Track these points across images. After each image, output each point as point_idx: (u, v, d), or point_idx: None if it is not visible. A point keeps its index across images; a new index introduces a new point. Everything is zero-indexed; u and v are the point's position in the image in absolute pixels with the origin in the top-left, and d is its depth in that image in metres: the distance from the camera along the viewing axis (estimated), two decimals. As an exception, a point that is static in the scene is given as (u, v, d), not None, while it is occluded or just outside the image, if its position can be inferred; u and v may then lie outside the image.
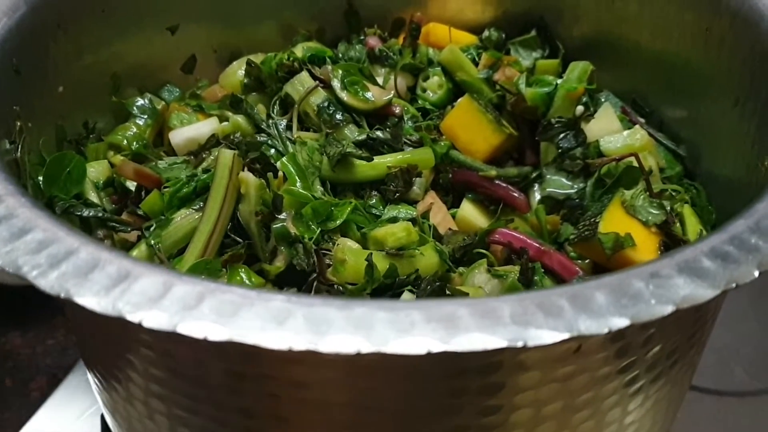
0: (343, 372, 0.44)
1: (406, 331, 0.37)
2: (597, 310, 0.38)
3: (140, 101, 0.85)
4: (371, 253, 0.60)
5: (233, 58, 0.94)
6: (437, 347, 0.36)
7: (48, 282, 0.40)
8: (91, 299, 0.39)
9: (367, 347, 0.36)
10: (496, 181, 0.78)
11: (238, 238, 0.65)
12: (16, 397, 1.21)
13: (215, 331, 0.37)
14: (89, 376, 0.66)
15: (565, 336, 0.37)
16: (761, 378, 0.96)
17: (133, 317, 0.38)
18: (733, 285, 0.40)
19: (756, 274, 0.41)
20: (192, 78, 0.94)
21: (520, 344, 0.36)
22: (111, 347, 0.54)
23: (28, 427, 0.96)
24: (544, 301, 0.38)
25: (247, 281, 0.61)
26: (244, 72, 0.86)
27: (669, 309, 0.38)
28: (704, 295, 0.39)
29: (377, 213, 0.74)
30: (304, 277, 0.61)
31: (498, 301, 0.38)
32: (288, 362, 0.43)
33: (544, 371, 0.46)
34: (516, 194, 0.77)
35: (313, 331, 0.37)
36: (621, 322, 0.38)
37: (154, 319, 0.38)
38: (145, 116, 0.84)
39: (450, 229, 0.75)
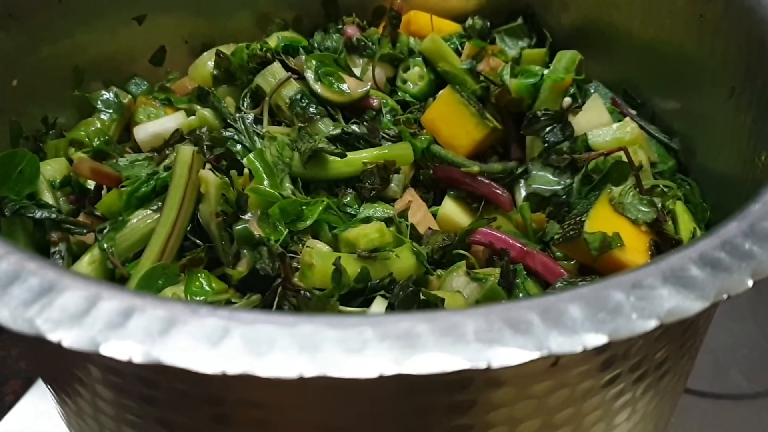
0: (293, 392, 0.40)
1: (357, 351, 0.33)
2: (571, 326, 0.34)
3: (105, 95, 0.81)
4: (339, 257, 0.56)
5: (206, 48, 0.90)
6: (390, 369, 0.32)
7: (-40, 296, 0.36)
8: (6, 315, 0.35)
9: (310, 370, 0.32)
10: (479, 178, 0.74)
11: (198, 241, 0.60)
12: (-11, 401, 1.17)
13: (140, 353, 0.32)
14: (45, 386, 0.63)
15: (534, 355, 0.33)
16: (758, 381, 0.92)
17: (52, 336, 0.34)
18: (724, 296, 0.36)
19: (749, 283, 0.37)
20: (162, 70, 0.90)
21: (482, 365, 0.32)
22: (55, 360, 0.50)
23: (-1, 430, 0.93)
24: (512, 316, 0.34)
25: (207, 287, 0.57)
26: (213, 63, 0.81)
27: (652, 324, 0.34)
28: (691, 308, 0.35)
29: (352, 212, 0.70)
30: (269, 282, 0.57)
31: (461, 316, 0.34)
32: (232, 381, 0.39)
33: (518, 387, 0.42)
34: (499, 191, 0.73)
35: (251, 353, 0.33)
36: (597, 340, 0.33)
37: (75, 338, 0.33)
38: (110, 111, 0.80)
39: (430, 228, 0.71)
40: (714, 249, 0.39)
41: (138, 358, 0.32)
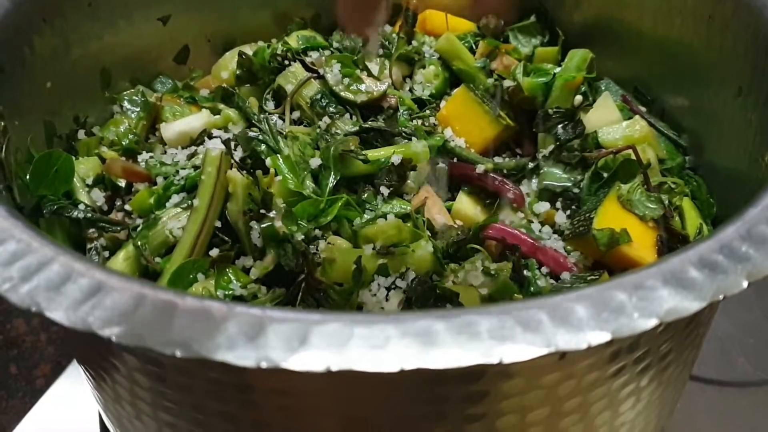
0: (320, 382, 0.43)
1: (380, 347, 0.36)
2: (577, 324, 0.37)
3: (132, 94, 0.84)
4: (360, 257, 0.59)
5: (228, 47, 0.93)
6: (411, 364, 0.35)
7: (19, 296, 0.39)
8: (61, 314, 0.38)
9: (337, 364, 0.35)
10: (492, 175, 0.77)
11: (226, 238, 0.64)
12: (21, 384, 1.22)
13: (184, 348, 0.36)
14: (82, 371, 0.66)
15: (543, 351, 0.36)
16: (765, 368, 0.94)
17: (103, 332, 0.37)
18: (721, 297, 0.39)
19: (745, 285, 0.39)
20: (185, 68, 0.93)
21: (495, 360, 0.35)
22: (96, 350, 0.54)
23: (31, 414, 0.96)
24: (523, 315, 0.37)
25: (235, 281, 0.60)
26: (235, 64, 0.84)
27: (652, 323, 0.37)
28: (689, 307, 0.38)
29: (371, 208, 0.72)
30: (293, 277, 0.61)
31: (475, 315, 0.37)
32: (263, 372, 0.42)
33: (528, 379, 0.45)
34: (512, 189, 0.76)
35: (284, 348, 0.36)
36: (601, 337, 0.36)
37: (124, 334, 0.37)
38: (138, 109, 0.82)
39: (445, 224, 0.74)
40: (712, 252, 0.42)
41: (181, 354, 0.36)
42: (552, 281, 0.67)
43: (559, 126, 0.79)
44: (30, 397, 1.09)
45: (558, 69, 0.83)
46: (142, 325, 0.37)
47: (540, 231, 0.73)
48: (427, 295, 0.60)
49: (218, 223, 0.64)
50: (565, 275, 0.66)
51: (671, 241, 0.69)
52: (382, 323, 0.37)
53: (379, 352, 0.35)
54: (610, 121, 0.78)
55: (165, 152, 0.77)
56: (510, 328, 0.37)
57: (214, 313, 0.38)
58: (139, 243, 0.62)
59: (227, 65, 0.87)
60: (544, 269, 0.68)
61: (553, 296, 0.39)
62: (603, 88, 0.85)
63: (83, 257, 0.43)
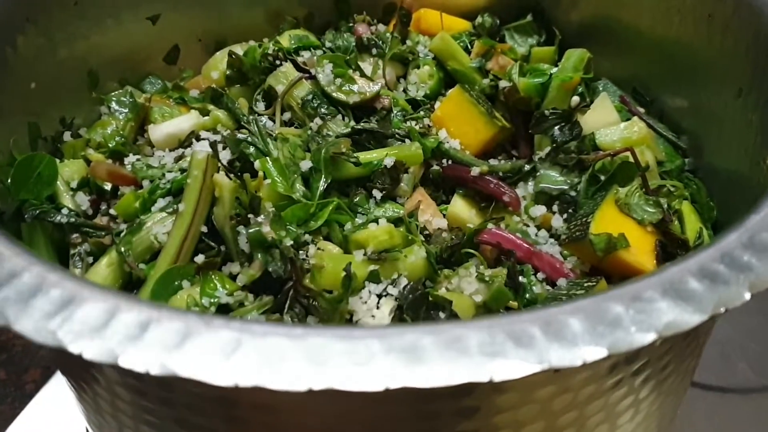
0: (303, 399, 0.41)
1: (364, 364, 0.34)
2: (571, 339, 0.35)
3: (120, 95, 0.82)
4: (350, 263, 0.57)
5: (219, 46, 0.91)
6: (396, 383, 0.34)
7: (-14, 308, 0.38)
8: (29, 328, 0.36)
9: (319, 384, 0.33)
10: (487, 177, 0.75)
11: (212, 243, 0.62)
12: (10, 390, 1.20)
13: (157, 365, 0.34)
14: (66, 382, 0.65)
15: (536, 369, 0.34)
16: (766, 374, 0.93)
17: (73, 348, 0.35)
18: (722, 309, 0.37)
19: (747, 296, 0.38)
20: (176, 69, 0.91)
21: (485, 378, 0.34)
22: (76, 363, 0.52)
23: (20, 419, 0.95)
24: (515, 329, 0.36)
25: (221, 289, 0.59)
26: (226, 63, 0.83)
27: (650, 337, 0.35)
28: (689, 321, 0.36)
29: (362, 212, 0.71)
30: (281, 284, 0.59)
31: (464, 328, 0.36)
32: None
33: (522, 393, 0.44)
34: (507, 192, 0.74)
35: (263, 366, 0.34)
36: (597, 353, 0.35)
37: (94, 350, 0.35)
38: (126, 110, 0.81)
39: (439, 228, 0.72)
40: (713, 261, 0.40)
41: (155, 371, 0.34)
42: (548, 287, 0.65)
43: (556, 127, 0.77)
44: (19, 402, 1.07)
45: (555, 69, 0.81)
46: (115, 341, 0.35)
47: (536, 235, 0.72)
48: (419, 303, 0.58)
49: (204, 228, 0.62)
50: (562, 281, 0.64)
51: (670, 246, 0.67)
52: (366, 338, 0.35)
53: (362, 370, 0.34)
54: (607, 123, 0.77)
55: (153, 154, 0.75)
56: (501, 343, 0.35)
57: (191, 328, 0.36)
58: (123, 249, 0.60)
59: (217, 65, 0.85)
60: (540, 275, 0.66)
61: (546, 308, 0.37)
62: (600, 89, 0.83)
63: (57, 267, 0.41)
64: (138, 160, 0.73)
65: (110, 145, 0.75)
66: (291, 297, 0.58)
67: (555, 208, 0.74)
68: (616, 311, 0.36)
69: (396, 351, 0.35)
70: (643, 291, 0.38)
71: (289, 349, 0.35)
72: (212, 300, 0.58)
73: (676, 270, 0.39)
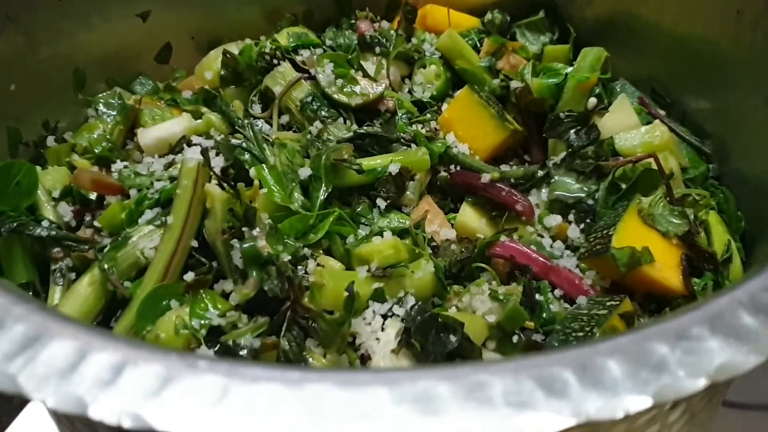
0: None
1: (371, 417, 0.29)
2: (611, 386, 0.30)
3: (108, 97, 0.77)
4: (352, 281, 0.53)
5: (213, 45, 0.86)
6: (408, 441, 0.29)
7: (-62, 348, 0.33)
8: (-13, 371, 0.32)
9: (318, 442, 0.29)
10: (499, 184, 0.71)
11: (203, 259, 0.57)
12: (-2, 403, 1.16)
13: (131, 418, 0.29)
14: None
15: (571, 422, 0.29)
16: (790, 391, 0.88)
17: (36, 396, 0.31)
18: (782, 349, 0.32)
19: (810, 333, 0.33)
20: (168, 68, 0.86)
21: (513, 435, 0.29)
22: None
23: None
24: (545, 374, 0.31)
25: (212, 309, 0.54)
26: (220, 63, 0.78)
27: (701, 383, 0.31)
28: (744, 363, 0.32)
29: (366, 222, 0.66)
30: (277, 304, 0.54)
31: (487, 374, 0.31)
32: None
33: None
34: (520, 200, 0.69)
35: (254, 418, 0.29)
36: (641, 402, 0.30)
37: (60, 399, 0.30)
38: (114, 113, 0.76)
39: (447, 239, 0.68)
40: (765, 291, 0.35)
41: (128, 424, 0.29)
42: (566, 305, 0.61)
43: (572, 131, 0.73)
44: (7, 417, 1.03)
45: (570, 69, 0.76)
46: (84, 387, 0.31)
47: (551, 247, 0.67)
48: (428, 325, 0.53)
49: (195, 243, 0.57)
50: (581, 299, 0.59)
51: (697, 260, 0.62)
52: (373, 384, 0.30)
53: (369, 425, 0.29)
54: (627, 126, 0.72)
55: (142, 160, 0.70)
56: (529, 392, 0.30)
57: (171, 372, 0.31)
58: (106, 266, 0.56)
59: (211, 65, 0.80)
60: (558, 292, 0.61)
61: (580, 348, 0.32)
62: (618, 90, 0.78)
63: (24, 297, 0.36)
64: (126, 167, 0.68)
65: (96, 151, 0.71)
66: (288, 318, 0.53)
67: (571, 217, 0.69)
68: (661, 352, 0.32)
69: (408, 401, 0.30)
70: (689, 327, 0.33)
71: (285, 397, 0.30)
72: (203, 322, 0.53)
73: (724, 302, 0.35)
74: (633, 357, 0.32)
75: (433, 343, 0.52)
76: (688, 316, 0.34)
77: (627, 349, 0.32)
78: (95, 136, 0.73)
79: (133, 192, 0.64)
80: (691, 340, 0.32)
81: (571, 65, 0.77)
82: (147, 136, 0.72)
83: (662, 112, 0.77)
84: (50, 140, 0.72)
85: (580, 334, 0.54)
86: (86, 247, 0.60)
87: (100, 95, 0.77)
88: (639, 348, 0.32)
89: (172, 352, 0.32)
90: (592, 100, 0.75)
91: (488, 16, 0.87)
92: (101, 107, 0.76)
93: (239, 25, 0.88)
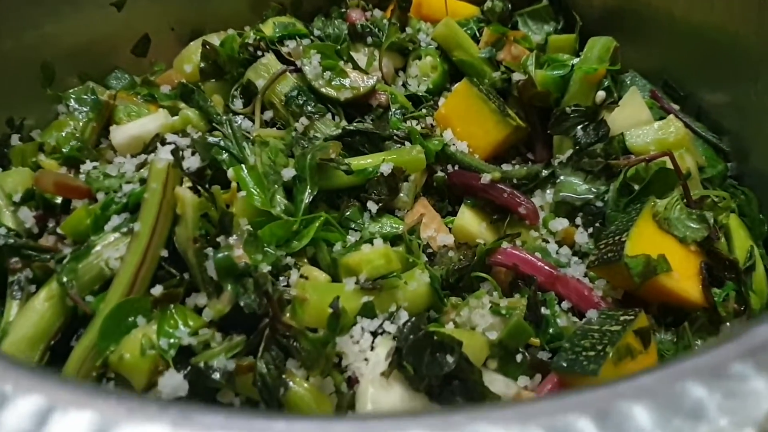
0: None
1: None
2: (637, 439, 0.25)
3: (80, 92, 0.72)
4: (338, 297, 0.47)
5: (195, 36, 0.80)
6: None
7: None
8: None
9: None
10: (500, 185, 0.65)
11: (173, 271, 0.52)
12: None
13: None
14: None
15: (589, 486, 0.24)
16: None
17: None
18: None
19: None
20: (146, 62, 0.81)
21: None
22: None
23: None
24: (558, 424, 0.25)
25: (182, 326, 0.48)
26: (199, 55, 0.72)
27: (747, 434, 0.25)
28: (799, 408, 0.26)
29: (355, 227, 0.61)
30: (255, 321, 0.49)
31: (488, 424, 0.25)
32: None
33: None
34: (523, 203, 0.64)
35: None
36: (674, 460, 0.25)
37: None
38: (86, 109, 0.71)
39: (444, 245, 0.62)
40: (817, 316, 0.30)
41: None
42: (575, 319, 0.55)
43: (579, 127, 0.68)
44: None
45: (576, 60, 0.72)
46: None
47: (557, 253, 0.62)
48: (423, 345, 0.48)
49: (164, 252, 0.51)
50: (592, 313, 0.54)
51: (717, 268, 0.57)
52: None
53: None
54: (639, 122, 0.67)
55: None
56: (540, 448, 0.25)
57: (109, 420, 0.26)
58: (65, 279, 0.50)
59: (191, 57, 0.75)
60: (565, 304, 0.56)
61: (600, 389, 0.27)
62: (628, 83, 0.73)
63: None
64: (95, 167, 0.62)
65: (64, 150, 0.65)
66: (267, 336, 0.48)
67: (578, 221, 0.64)
68: (696, 395, 0.26)
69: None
70: (728, 363, 0.28)
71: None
72: (172, 341, 0.48)
73: (766, 329, 0.29)
74: (663, 401, 0.26)
75: (427, 365, 0.47)
76: (725, 348, 0.29)
77: (655, 392, 0.27)
78: (64, 134, 0.68)
79: (100, 195, 0.58)
80: (731, 380, 0.27)
81: (578, 56, 0.73)
82: (120, 134, 0.67)
83: (676, 107, 0.71)
84: (15, 139, 0.67)
85: (591, 353, 0.48)
86: (48, 256, 0.55)
87: (71, 90, 0.72)
88: (670, 390, 0.27)
89: (112, 394, 0.27)
90: (601, 94, 0.69)
91: (488, 3, 0.82)
92: (72, 103, 0.71)
93: (223, 16, 0.83)
